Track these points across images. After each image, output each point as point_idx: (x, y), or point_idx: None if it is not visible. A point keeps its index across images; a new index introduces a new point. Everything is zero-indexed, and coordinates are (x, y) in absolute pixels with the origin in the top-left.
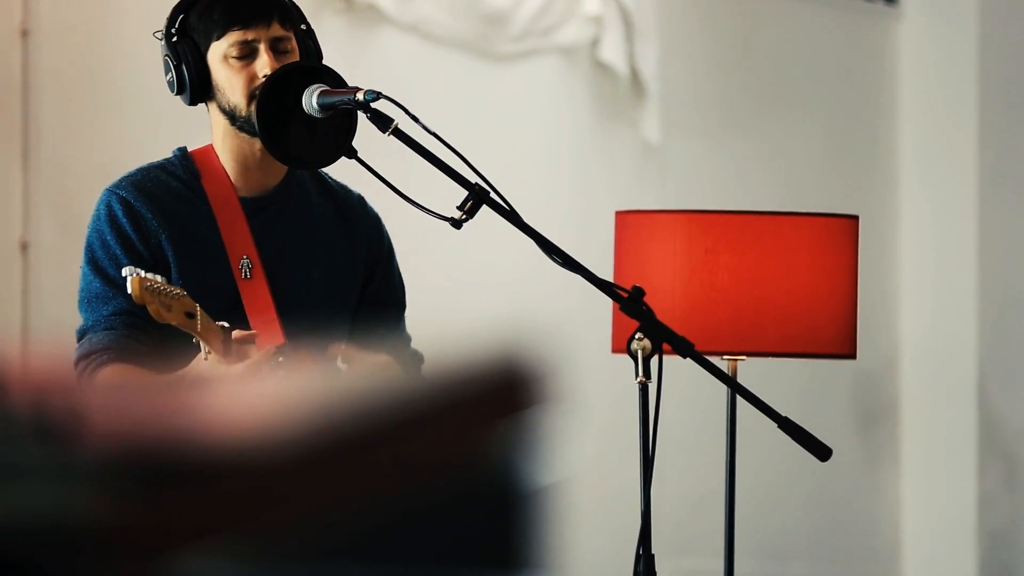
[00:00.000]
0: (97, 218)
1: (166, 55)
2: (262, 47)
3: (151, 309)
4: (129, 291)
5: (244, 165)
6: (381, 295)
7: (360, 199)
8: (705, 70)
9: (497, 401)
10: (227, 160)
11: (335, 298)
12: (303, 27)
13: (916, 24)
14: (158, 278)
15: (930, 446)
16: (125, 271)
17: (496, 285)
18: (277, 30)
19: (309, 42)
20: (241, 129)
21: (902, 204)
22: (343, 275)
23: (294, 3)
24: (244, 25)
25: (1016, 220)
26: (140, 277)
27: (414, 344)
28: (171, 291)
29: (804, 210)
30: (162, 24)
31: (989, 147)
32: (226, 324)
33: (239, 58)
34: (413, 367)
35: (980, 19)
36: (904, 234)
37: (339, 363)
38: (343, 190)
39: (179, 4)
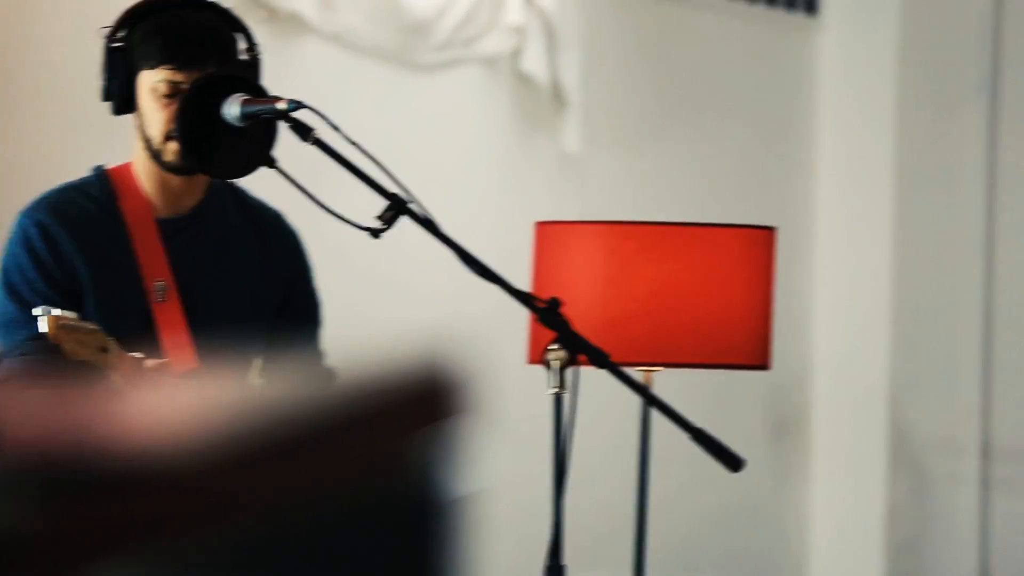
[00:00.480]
0: (13, 242)
1: (103, 60)
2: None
3: (65, 347)
4: (43, 331)
5: (161, 186)
6: (298, 313)
7: (278, 216)
8: (626, 81)
9: (415, 411)
10: (145, 179)
11: (251, 318)
12: (246, 58)
13: (836, 35)
14: (71, 315)
15: (840, 456)
16: (37, 311)
17: (415, 295)
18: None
19: (250, 73)
20: (154, 158)
21: (819, 215)
22: (259, 294)
23: (244, 33)
24: (177, 66)
25: (931, 232)
26: (54, 316)
27: (333, 357)
28: (85, 327)
29: (723, 221)
30: (76, 30)
31: (906, 159)
32: (140, 355)
33: (165, 95)
34: (326, 384)
35: (900, 31)
36: (820, 245)
37: (256, 377)
38: (261, 207)
39: (131, 11)
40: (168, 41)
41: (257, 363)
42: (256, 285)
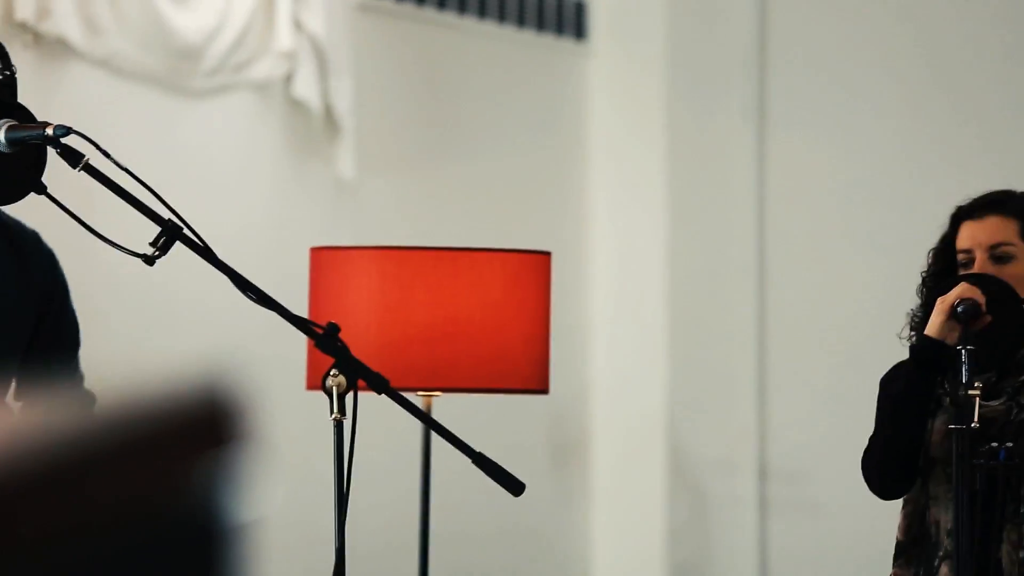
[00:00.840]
0: None
1: None
2: None
3: None
4: None
5: None
6: (54, 333)
7: (35, 235)
8: (399, 106)
9: (192, 438)
10: None
11: (6, 336)
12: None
13: (605, 60)
14: None
15: (620, 479)
16: None
17: (192, 322)
18: None
19: (4, 91)
20: None
21: (593, 239)
22: (14, 313)
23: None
24: None
25: (704, 255)
26: None
27: (110, 385)
28: None
29: (498, 246)
30: None
31: (677, 183)
32: None
33: None
34: (85, 407)
35: (668, 56)
36: (595, 269)
37: (14, 403)
38: (17, 226)
39: None
40: None
41: (13, 385)
42: (10, 304)
